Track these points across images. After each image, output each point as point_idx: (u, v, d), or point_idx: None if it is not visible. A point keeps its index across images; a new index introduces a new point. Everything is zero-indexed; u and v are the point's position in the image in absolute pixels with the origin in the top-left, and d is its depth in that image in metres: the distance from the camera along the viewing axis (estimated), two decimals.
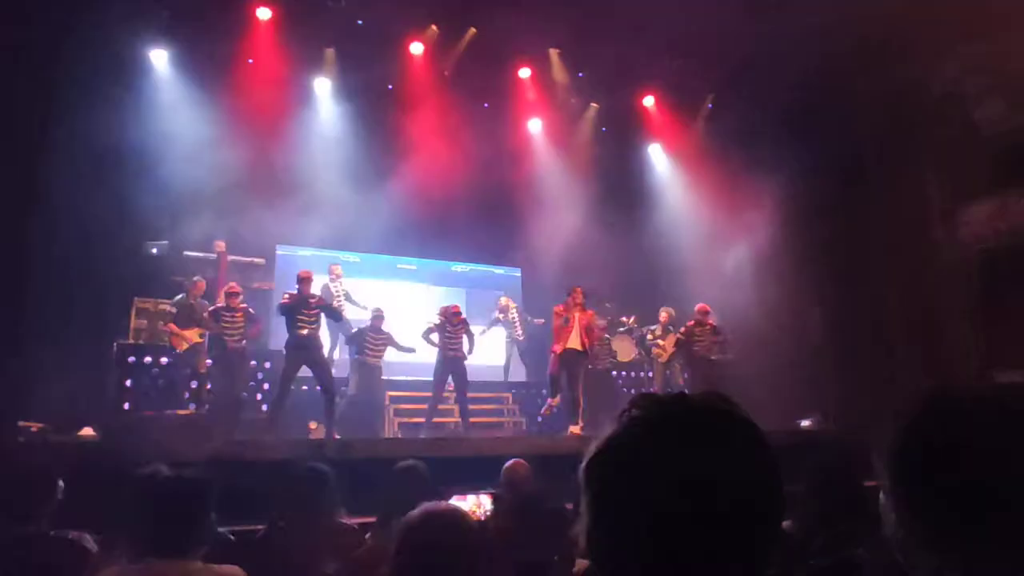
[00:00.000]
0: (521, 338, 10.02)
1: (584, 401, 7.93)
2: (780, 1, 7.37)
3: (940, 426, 0.89)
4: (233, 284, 7.49)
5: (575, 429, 7.56)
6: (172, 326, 7.35)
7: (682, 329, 8.50)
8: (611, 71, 9.89)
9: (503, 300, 10.24)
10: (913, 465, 0.89)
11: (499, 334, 10.18)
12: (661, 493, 0.70)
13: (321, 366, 6.98)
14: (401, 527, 1.62)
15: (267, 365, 8.18)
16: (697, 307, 8.51)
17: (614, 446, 0.76)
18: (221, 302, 7.39)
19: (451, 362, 8.05)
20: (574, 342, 7.77)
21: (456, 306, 8.41)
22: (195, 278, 7.75)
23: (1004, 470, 0.83)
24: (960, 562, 0.85)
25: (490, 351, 10.05)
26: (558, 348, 7.78)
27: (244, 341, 7.35)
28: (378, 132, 9.65)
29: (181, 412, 6.77)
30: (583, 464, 0.78)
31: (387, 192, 9.48)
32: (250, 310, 7.48)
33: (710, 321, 8.39)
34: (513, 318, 10.00)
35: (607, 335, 9.16)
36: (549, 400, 7.94)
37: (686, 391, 0.85)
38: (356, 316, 9.10)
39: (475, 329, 8.69)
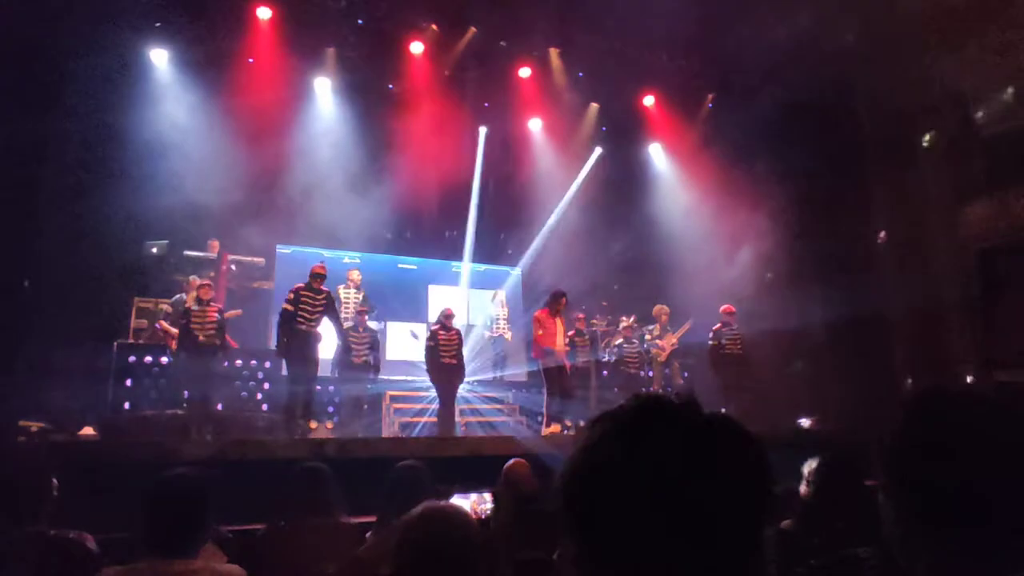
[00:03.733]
0: (510, 339, 9.97)
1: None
2: (780, 1, 7.37)
3: (938, 425, 0.89)
4: (207, 288, 7.17)
5: (556, 428, 7.55)
6: (163, 323, 7.34)
7: (712, 331, 8.59)
8: (611, 71, 9.89)
9: (500, 296, 10.20)
10: (911, 464, 0.89)
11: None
12: (645, 502, 0.68)
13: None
14: (401, 527, 1.62)
15: (267, 365, 8.17)
16: (722, 309, 8.60)
17: (590, 462, 0.73)
18: (193, 305, 7.11)
19: (449, 369, 7.72)
20: (559, 343, 7.82)
21: (435, 326, 8.00)
22: (193, 278, 7.73)
23: (1001, 469, 0.84)
24: (958, 560, 0.85)
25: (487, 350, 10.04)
26: (552, 351, 7.74)
27: (218, 342, 7.06)
28: (378, 131, 9.64)
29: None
30: (561, 483, 0.74)
31: (387, 191, 9.47)
32: (223, 315, 7.22)
33: (734, 321, 8.57)
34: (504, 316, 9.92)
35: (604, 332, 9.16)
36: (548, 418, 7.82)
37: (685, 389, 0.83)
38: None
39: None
